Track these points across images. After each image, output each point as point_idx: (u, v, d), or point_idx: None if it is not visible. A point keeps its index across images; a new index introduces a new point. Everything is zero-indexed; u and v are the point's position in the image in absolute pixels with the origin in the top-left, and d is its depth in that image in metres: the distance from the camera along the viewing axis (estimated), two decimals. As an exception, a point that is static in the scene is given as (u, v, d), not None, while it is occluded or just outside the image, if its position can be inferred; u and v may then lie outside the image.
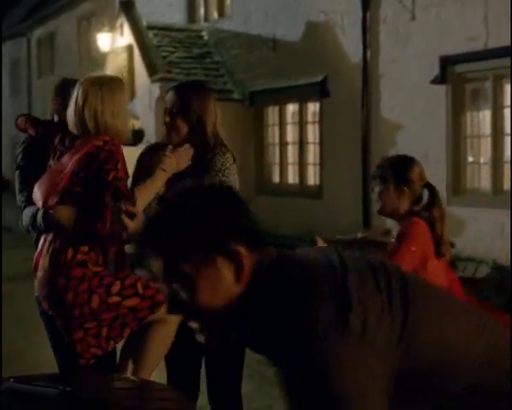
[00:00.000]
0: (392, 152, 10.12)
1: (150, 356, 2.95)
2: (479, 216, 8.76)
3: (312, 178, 11.83)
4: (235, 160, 3.20)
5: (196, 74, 12.83)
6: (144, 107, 12.26)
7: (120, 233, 2.88)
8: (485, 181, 9.11)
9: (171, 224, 1.56)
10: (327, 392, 1.39)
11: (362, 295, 1.51)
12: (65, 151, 3.02)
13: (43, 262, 2.92)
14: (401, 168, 3.14)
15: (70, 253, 2.86)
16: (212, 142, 3.15)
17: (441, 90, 9.28)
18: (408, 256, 2.97)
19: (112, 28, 13.80)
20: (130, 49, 12.96)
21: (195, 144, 3.12)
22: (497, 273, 7.53)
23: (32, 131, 3.54)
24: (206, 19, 14.36)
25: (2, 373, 3.45)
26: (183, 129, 3.12)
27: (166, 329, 2.93)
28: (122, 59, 13.12)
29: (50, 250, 2.91)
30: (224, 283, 1.55)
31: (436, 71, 9.27)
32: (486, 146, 9.05)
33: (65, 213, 2.89)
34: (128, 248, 2.99)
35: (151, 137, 10.84)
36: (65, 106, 3.80)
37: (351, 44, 10.57)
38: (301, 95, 11.77)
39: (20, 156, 3.81)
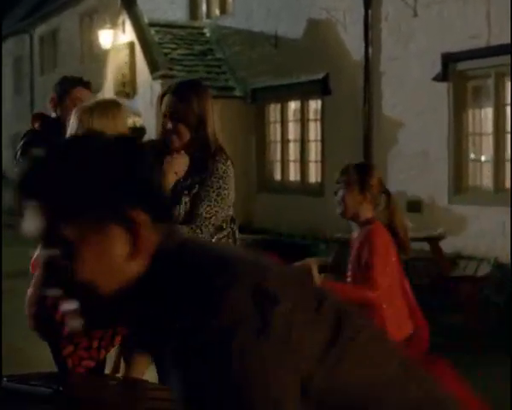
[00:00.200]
0: (394, 150, 10.12)
1: (142, 356, 2.94)
2: (480, 214, 8.73)
3: (314, 175, 11.81)
4: (233, 164, 3.15)
5: (198, 71, 12.81)
6: (146, 104, 12.24)
7: None
8: (486, 179, 9.08)
9: (55, 170, 1.24)
10: (235, 394, 1.17)
11: (289, 294, 1.24)
12: None
13: (35, 280, 2.87)
14: (364, 174, 3.34)
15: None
16: (214, 146, 3.08)
17: (443, 87, 9.25)
18: (381, 265, 3.17)
19: (113, 25, 13.78)
20: (131, 46, 12.94)
21: (196, 147, 3.06)
22: (497, 272, 7.50)
23: (37, 126, 3.58)
24: (208, 16, 14.33)
25: (3, 372, 3.42)
26: (185, 133, 3.04)
27: None
28: (124, 56, 13.11)
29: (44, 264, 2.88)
30: (114, 257, 1.24)
31: (438, 68, 9.24)
32: (488, 144, 9.01)
33: None
34: None
35: (152, 134, 10.83)
36: (60, 103, 3.83)
37: (353, 42, 10.54)
38: (303, 92, 11.74)
39: (19, 152, 3.83)
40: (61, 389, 2.60)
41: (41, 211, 1.24)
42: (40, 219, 1.24)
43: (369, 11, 10.23)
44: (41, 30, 22.62)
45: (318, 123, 11.63)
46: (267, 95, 12.45)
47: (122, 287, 1.25)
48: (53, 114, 3.91)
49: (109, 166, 1.25)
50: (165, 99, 3.09)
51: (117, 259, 1.24)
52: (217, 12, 14.21)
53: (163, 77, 12.17)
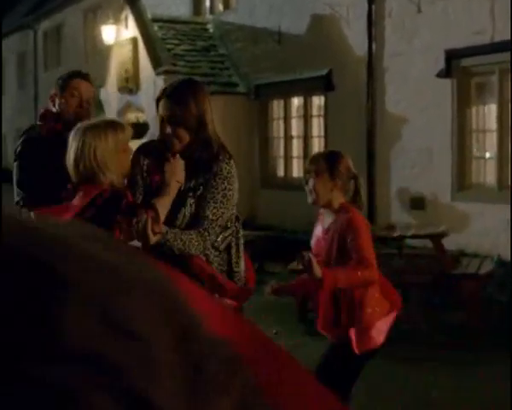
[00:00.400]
0: (397, 146, 10.07)
1: None
2: (484, 211, 8.68)
3: (317, 172, 11.76)
4: (235, 162, 3.11)
5: (201, 67, 12.78)
6: (149, 99, 12.20)
7: None
8: (490, 176, 9.03)
9: None
10: None
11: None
12: (72, 196, 2.96)
13: None
14: (333, 162, 3.39)
15: None
16: (215, 145, 3.04)
17: (447, 83, 9.21)
18: (370, 246, 3.29)
19: (116, 21, 13.74)
20: (134, 41, 12.91)
21: (198, 148, 3.02)
22: (500, 269, 7.45)
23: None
24: (212, 11, 14.29)
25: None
26: (185, 137, 2.98)
27: None
28: (127, 51, 13.08)
29: None
30: None
31: (442, 64, 9.19)
32: (492, 141, 8.96)
33: None
34: None
35: (156, 129, 10.80)
36: (61, 95, 3.84)
37: (356, 38, 10.50)
38: (306, 88, 11.70)
39: (19, 149, 3.82)
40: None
41: None
42: None
43: (373, 7, 10.18)
44: (45, 26, 22.60)
45: (321, 119, 11.59)
46: (270, 91, 12.41)
47: None
48: (53, 109, 3.92)
49: None
50: (162, 103, 3.02)
51: None
52: (220, 8, 14.17)
53: (166, 72, 12.14)
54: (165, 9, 14.57)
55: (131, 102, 13.26)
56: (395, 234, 7.46)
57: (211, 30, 13.86)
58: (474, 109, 9.22)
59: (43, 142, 3.71)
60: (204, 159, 3.00)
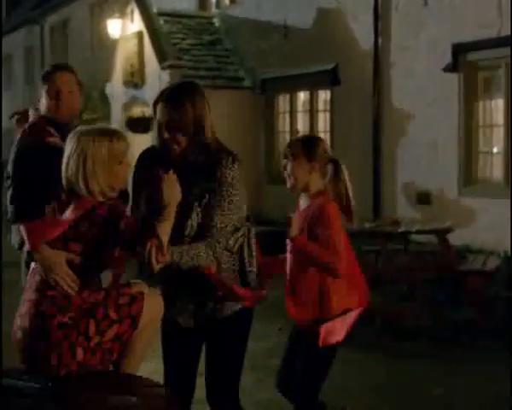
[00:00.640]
0: (404, 141, 10.02)
1: (133, 358, 2.88)
2: (490, 207, 8.62)
3: (323, 166, 11.71)
4: (239, 160, 3.04)
5: (207, 61, 12.75)
6: (154, 94, 12.05)
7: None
8: (497, 171, 8.97)
9: None
10: None
11: None
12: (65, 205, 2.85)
13: (23, 321, 2.74)
14: (310, 145, 3.41)
15: (50, 316, 2.68)
16: (214, 149, 2.98)
17: (453, 78, 9.14)
18: (340, 237, 3.28)
19: (122, 14, 13.72)
20: (140, 35, 12.88)
21: (196, 152, 2.98)
22: (506, 266, 7.39)
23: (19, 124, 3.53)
24: (218, 5, 14.25)
25: (3, 366, 3.39)
26: (183, 141, 2.95)
27: (147, 330, 2.86)
28: (132, 45, 13.06)
29: (32, 312, 2.72)
30: None
31: (448, 59, 9.12)
32: (499, 135, 8.90)
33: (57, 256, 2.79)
34: None
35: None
36: (47, 89, 3.78)
37: (362, 31, 10.44)
38: (312, 83, 11.65)
39: (13, 156, 3.75)
40: (49, 384, 2.55)
41: None
42: None
43: (379, 0, 10.12)
44: (52, 20, 22.61)
45: (327, 114, 11.54)
46: (276, 85, 12.36)
47: None
48: (36, 111, 3.86)
49: None
50: (159, 107, 2.96)
51: None
52: (226, 2, 14.13)
53: (171, 67, 12.12)
54: (170, 3, 14.54)
55: (137, 96, 13.24)
56: (400, 229, 7.40)
57: (216, 24, 13.82)
58: (480, 104, 9.15)
59: (31, 152, 3.65)
60: (201, 163, 2.96)
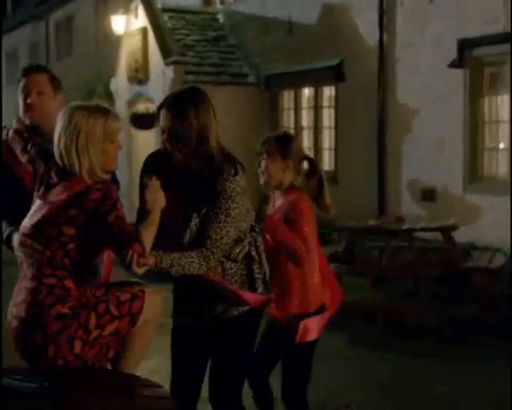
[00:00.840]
0: (409, 137, 9.96)
1: (132, 357, 2.86)
2: (496, 204, 8.56)
3: (327, 163, 11.67)
4: (244, 170, 2.97)
5: (211, 57, 12.71)
6: (158, 90, 12.15)
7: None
8: (502, 168, 8.91)
9: None
10: None
11: None
12: (53, 184, 2.80)
13: (18, 310, 2.72)
14: (285, 142, 3.46)
15: (49, 305, 2.65)
16: (219, 158, 2.92)
17: (459, 74, 9.08)
18: (311, 231, 3.37)
19: (126, 10, 13.68)
20: (144, 31, 12.84)
21: (197, 162, 2.93)
22: (510, 263, 7.33)
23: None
24: (222, 1, 14.19)
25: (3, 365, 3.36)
26: (185, 151, 2.91)
27: (146, 329, 2.84)
28: (136, 41, 13.02)
29: (29, 300, 2.69)
30: None
31: (454, 54, 9.06)
32: (505, 132, 8.83)
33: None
34: None
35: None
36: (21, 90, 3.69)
37: (367, 27, 10.38)
38: (317, 79, 11.60)
39: None
40: (46, 384, 2.52)
41: None
42: None
43: (384, -4, 10.06)
44: (56, 16, 22.61)
45: (332, 110, 11.48)
46: (281, 81, 12.31)
47: None
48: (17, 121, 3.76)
49: None
50: (162, 113, 2.93)
51: None
52: (231, -3, 14.07)
53: (176, 63, 12.07)
54: (175, -1, 14.49)
55: (141, 92, 13.21)
56: (404, 227, 7.37)
57: (221, 20, 13.78)
58: (486, 100, 9.08)
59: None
60: (205, 174, 2.90)
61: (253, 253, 3.04)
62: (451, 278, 7.17)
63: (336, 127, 11.31)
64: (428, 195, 9.56)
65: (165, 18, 13.03)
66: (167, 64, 12.14)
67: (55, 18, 22.83)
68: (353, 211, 10.01)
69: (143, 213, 2.81)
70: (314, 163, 3.55)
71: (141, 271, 2.74)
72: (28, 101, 3.59)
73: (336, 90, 11.25)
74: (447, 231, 7.36)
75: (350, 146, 10.90)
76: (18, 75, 3.83)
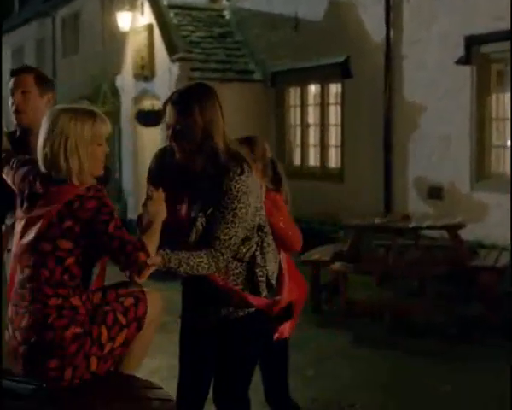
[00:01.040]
0: (415, 135, 9.90)
1: (133, 358, 2.83)
2: (503, 202, 8.49)
3: (334, 160, 11.63)
4: (251, 169, 2.91)
5: (217, 54, 12.67)
6: (164, 87, 12.13)
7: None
8: (510, 165, 8.84)
9: None
10: None
11: None
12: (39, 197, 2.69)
13: (27, 335, 2.58)
14: (250, 146, 3.41)
15: (62, 328, 2.54)
16: (224, 156, 2.87)
17: (466, 71, 9.01)
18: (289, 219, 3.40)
19: (132, 7, 13.66)
20: (150, 28, 12.81)
21: (201, 161, 2.89)
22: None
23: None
24: (228, -2, 14.15)
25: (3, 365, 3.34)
26: (190, 148, 2.86)
27: (147, 330, 2.81)
28: (142, 38, 12.99)
29: (37, 324, 2.57)
30: None
31: (461, 51, 9.00)
32: None
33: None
34: None
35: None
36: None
37: (373, 24, 10.32)
38: (323, 76, 11.55)
39: None
40: (44, 385, 2.50)
41: None
42: None
43: (391, -8, 10.00)
44: (63, 13, 22.61)
45: (338, 107, 11.43)
46: (287, 78, 12.27)
47: None
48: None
49: None
50: (168, 109, 2.89)
51: None
52: (237, -6, 14.03)
53: (181, 60, 12.05)
54: (181, -4, 14.45)
55: (147, 89, 13.18)
56: (411, 225, 7.32)
57: (227, 16, 13.74)
58: (493, 97, 9.02)
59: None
60: (210, 173, 2.86)
61: (258, 255, 3.00)
62: (458, 276, 7.12)
63: (342, 124, 11.26)
64: (435, 192, 9.50)
65: (171, 15, 13.00)
66: (173, 61, 12.11)
67: (61, 15, 22.84)
68: (359, 209, 9.98)
69: (146, 224, 2.78)
70: (277, 166, 3.54)
71: (144, 279, 2.71)
72: (11, 100, 3.58)
73: (343, 87, 11.20)
74: (454, 229, 7.31)
75: (356, 143, 10.85)
76: None
